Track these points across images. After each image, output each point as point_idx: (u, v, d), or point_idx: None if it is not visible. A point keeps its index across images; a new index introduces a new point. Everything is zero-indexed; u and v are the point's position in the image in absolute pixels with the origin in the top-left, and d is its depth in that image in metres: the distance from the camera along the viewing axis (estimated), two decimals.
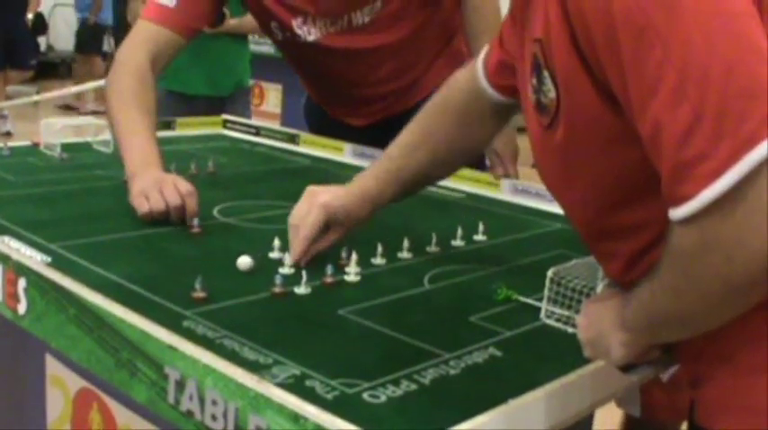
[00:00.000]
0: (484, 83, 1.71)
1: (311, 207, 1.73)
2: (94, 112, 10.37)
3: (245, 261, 1.64)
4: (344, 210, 1.75)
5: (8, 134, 8.97)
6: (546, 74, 1.25)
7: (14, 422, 2.35)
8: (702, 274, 1.04)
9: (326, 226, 1.74)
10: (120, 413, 1.64)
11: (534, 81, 1.29)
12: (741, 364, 1.18)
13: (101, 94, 10.72)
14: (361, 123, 2.83)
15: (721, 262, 1.00)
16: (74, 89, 9.50)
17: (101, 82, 9.67)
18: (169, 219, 1.91)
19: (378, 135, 2.53)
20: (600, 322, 1.29)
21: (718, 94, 0.98)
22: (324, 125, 2.97)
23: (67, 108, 10.77)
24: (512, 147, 2.52)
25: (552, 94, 1.24)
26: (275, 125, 7.36)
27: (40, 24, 10.37)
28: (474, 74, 1.73)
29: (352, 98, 2.77)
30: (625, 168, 1.22)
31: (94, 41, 10.97)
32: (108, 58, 10.71)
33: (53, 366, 2.04)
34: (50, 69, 12.99)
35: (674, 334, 1.22)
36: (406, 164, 1.79)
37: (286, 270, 1.67)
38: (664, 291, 1.12)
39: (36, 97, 9.73)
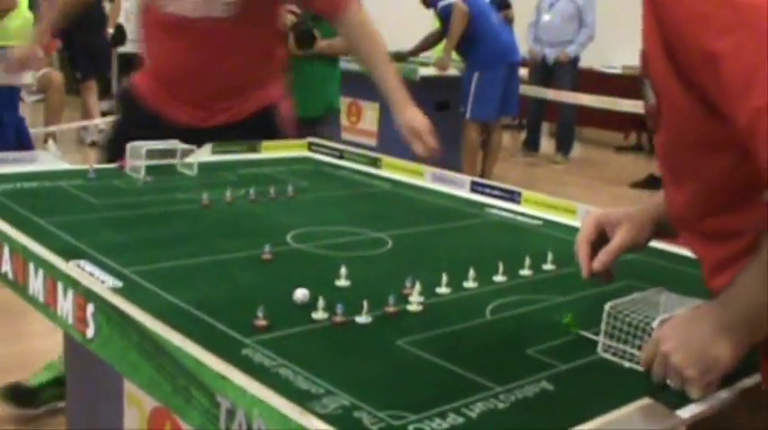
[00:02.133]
0: None
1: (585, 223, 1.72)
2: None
3: (302, 293, 1.67)
4: (619, 214, 1.71)
5: (94, 144, 9.14)
6: (647, 82, 1.37)
7: None
8: None
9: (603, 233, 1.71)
10: None
11: (643, 88, 1.41)
12: None
13: None
14: (190, 120, 3.04)
15: None
16: None
17: None
18: None
19: (203, 138, 2.87)
20: (695, 336, 1.34)
21: None
22: (138, 116, 3.12)
23: None
24: (421, 119, 2.88)
25: (653, 101, 1.36)
26: (372, 142, 7.49)
27: (120, 37, 10.48)
28: None
29: (196, 86, 2.99)
30: (726, 173, 1.31)
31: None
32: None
33: (130, 385, 2.10)
34: None
35: None
36: None
37: (342, 282, 1.75)
38: None
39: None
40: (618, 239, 1.66)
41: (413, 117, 2.89)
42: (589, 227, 1.70)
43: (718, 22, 1.19)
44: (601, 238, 1.69)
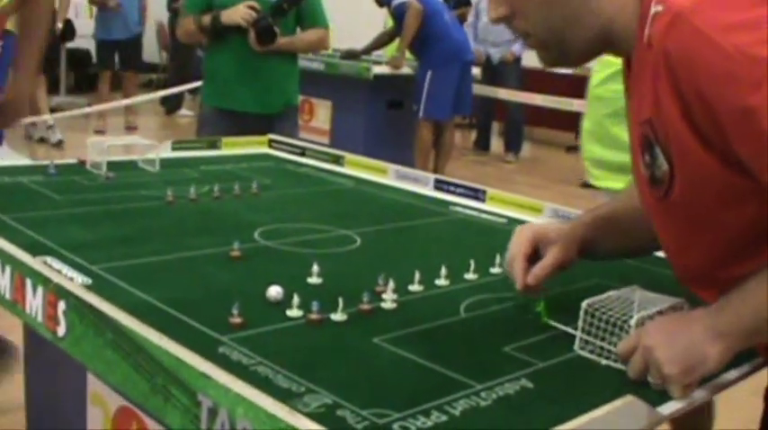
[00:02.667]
0: None
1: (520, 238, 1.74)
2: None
3: (276, 290, 1.66)
4: (554, 228, 1.76)
5: (59, 143, 9.08)
6: (658, 150, 1.38)
7: None
8: None
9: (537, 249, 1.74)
10: None
11: (647, 158, 1.42)
12: None
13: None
14: None
15: None
16: (124, 102, 9.58)
17: (152, 95, 9.77)
18: None
19: None
20: (683, 336, 1.36)
21: None
22: None
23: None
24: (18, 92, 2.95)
25: (665, 167, 1.38)
26: (324, 140, 7.47)
27: (69, 33, 10.35)
28: None
29: None
30: (750, 221, 1.34)
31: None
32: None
33: (94, 384, 2.07)
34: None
35: None
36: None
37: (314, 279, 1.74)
38: None
39: (87, 109, 9.83)
40: (552, 257, 1.71)
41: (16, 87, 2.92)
42: (525, 242, 1.73)
43: (747, 78, 1.21)
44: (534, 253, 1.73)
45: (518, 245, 1.73)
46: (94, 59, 11.90)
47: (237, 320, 1.52)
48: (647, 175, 1.44)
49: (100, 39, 10.51)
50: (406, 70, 7.83)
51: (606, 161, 2.80)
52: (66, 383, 2.28)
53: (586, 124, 3.01)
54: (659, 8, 1.32)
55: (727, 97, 1.23)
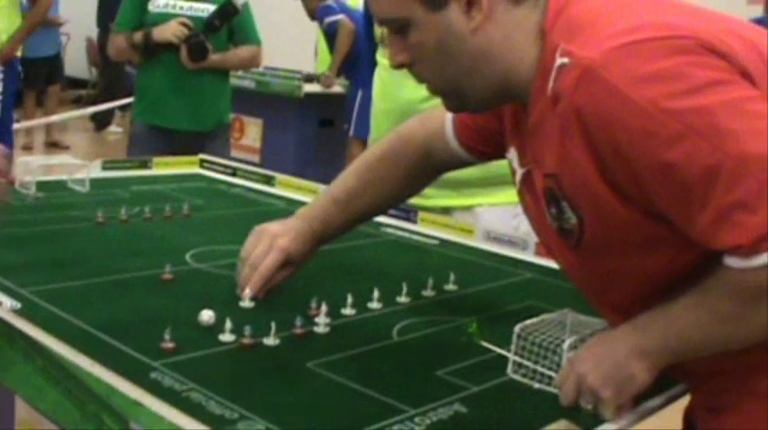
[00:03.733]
0: (454, 143, 1.81)
1: (270, 248, 1.80)
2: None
3: (208, 315, 1.64)
4: (300, 253, 1.84)
5: None
6: (565, 204, 1.39)
7: None
8: None
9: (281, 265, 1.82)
10: None
11: (553, 210, 1.43)
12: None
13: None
14: None
15: None
16: (54, 117, 9.46)
17: (83, 111, 9.65)
18: None
19: None
20: (609, 357, 1.37)
21: None
22: None
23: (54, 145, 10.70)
24: None
25: (574, 221, 1.39)
26: (255, 158, 7.44)
27: None
28: (437, 132, 1.83)
29: None
30: (668, 264, 1.36)
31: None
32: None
33: (24, 410, 2.03)
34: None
35: (704, 353, 1.37)
36: (351, 208, 1.92)
37: (246, 303, 1.74)
38: (715, 318, 1.30)
39: (15, 125, 9.68)
40: (267, 261, 1.79)
41: None
42: (249, 242, 1.85)
43: (663, 134, 1.21)
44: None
45: (243, 249, 1.84)
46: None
47: (170, 345, 1.50)
48: (556, 227, 1.45)
49: (28, 57, 10.41)
50: (337, 89, 7.83)
51: (442, 179, 2.71)
52: None
53: None
54: (565, 60, 1.31)
55: (644, 153, 1.24)
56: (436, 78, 1.51)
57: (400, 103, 2.61)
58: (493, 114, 1.64)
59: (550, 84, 1.34)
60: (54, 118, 9.66)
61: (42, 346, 1.35)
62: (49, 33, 10.16)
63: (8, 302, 1.63)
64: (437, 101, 2.50)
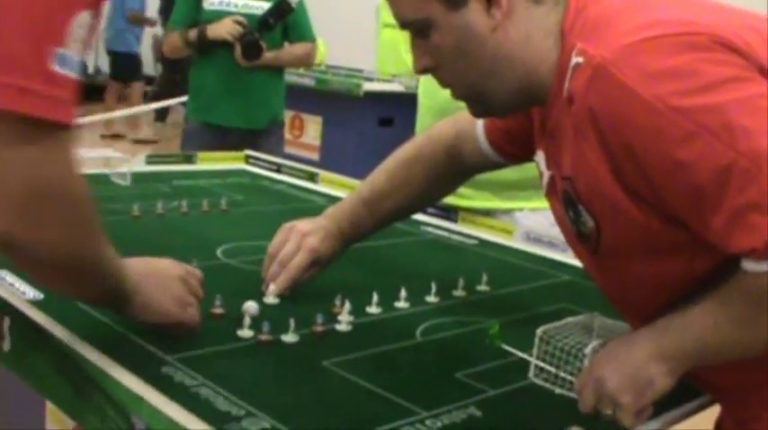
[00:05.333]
0: (484, 144, 1.78)
1: (299, 247, 1.79)
2: (139, 141, 10.46)
3: (252, 307, 1.64)
4: (329, 254, 1.83)
5: None
6: (581, 208, 1.36)
7: None
8: None
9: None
10: None
11: (571, 214, 1.41)
12: None
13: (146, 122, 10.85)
14: None
15: None
16: (106, 115, 9.56)
17: (136, 109, 9.76)
18: None
19: None
20: (628, 362, 1.33)
21: None
22: None
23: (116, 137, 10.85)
24: None
25: (591, 224, 1.37)
26: (314, 156, 7.45)
27: None
28: (467, 133, 1.81)
29: None
30: (685, 269, 1.33)
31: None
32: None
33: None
34: (97, 93, 13.06)
35: (723, 358, 1.34)
36: (379, 208, 1.90)
37: (270, 299, 1.73)
38: (732, 323, 1.26)
39: (91, 118, 9.84)
40: (296, 261, 1.78)
41: None
42: (277, 239, 1.84)
43: (675, 133, 1.18)
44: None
45: (271, 245, 1.82)
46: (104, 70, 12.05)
47: (219, 311, 1.62)
48: (574, 231, 1.43)
49: (124, 51, 10.63)
50: (397, 87, 7.80)
51: (481, 180, 2.61)
52: (25, 399, 2.24)
53: None
54: (579, 60, 1.29)
55: (656, 153, 1.21)
56: (458, 82, 1.49)
57: (441, 100, 2.57)
58: (524, 115, 1.61)
59: (566, 84, 1.32)
60: (129, 111, 9.77)
61: (51, 338, 1.34)
62: (138, 31, 10.40)
63: (31, 293, 1.63)
64: None
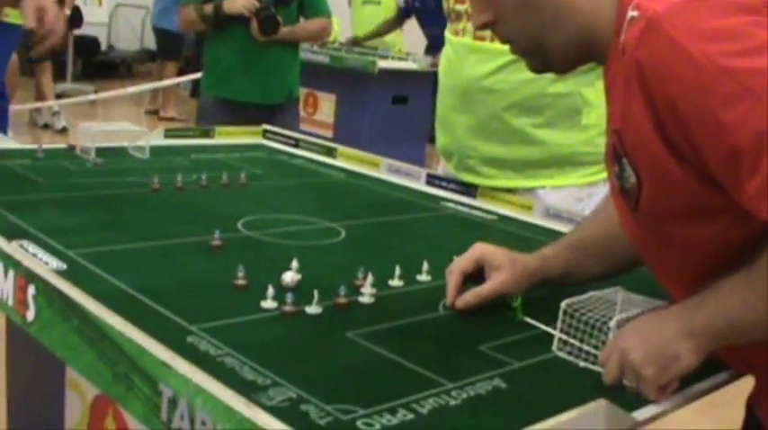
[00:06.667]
0: None
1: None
2: (173, 119, 10.46)
3: (290, 276, 1.65)
4: (502, 258, 1.70)
5: (64, 130, 9.07)
6: (625, 161, 1.35)
7: (33, 424, 2.36)
8: None
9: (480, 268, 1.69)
10: (135, 422, 1.63)
11: (616, 168, 1.39)
12: None
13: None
14: None
15: None
16: (130, 89, 9.55)
17: (162, 83, 9.76)
18: None
19: None
20: (655, 336, 1.33)
21: None
22: None
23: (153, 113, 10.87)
24: None
25: (633, 179, 1.35)
26: (328, 133, 7.44)
27: (76, 19, 10.34)
28: None
29: None
30: (721, 235, 1.32)
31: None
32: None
33: (73, 371, 2.04)
34: (110, 69, 13.06)
35: (752, 336, 1.32)
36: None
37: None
38: (760, 298, 1.25)
39: (92, 96, 9.85)
40: (491, 286, 1.65)
41: None
42: (469, 260, 1.68)
43: (721, 92, 1.18)
44: (477, 270, 1.68)
45: (462, 259, 1.68)
46: (103, 47, 11.95)
47: (242, 282, 1.62)
48: (618, 186, 1.42)
49: (167, 29, 10.59)
50: (411, 65, 7.78)
51: (504, 158, 2.60)
52: (46, 368, 2.25)
53: (467, 120, 2.61)
54: (635, 13, 1.28)
55: (698, 111, 1.20)
56: (520, 35, 1.48)
57: (462, 79, 2.55)
58: None
59: (622, 37, 1.32)
60: (140, 87, 9.77)
61: (77, 306, 1.34)
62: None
63: (54, 263, 1.64)
64: (498, 76, 2.48)
